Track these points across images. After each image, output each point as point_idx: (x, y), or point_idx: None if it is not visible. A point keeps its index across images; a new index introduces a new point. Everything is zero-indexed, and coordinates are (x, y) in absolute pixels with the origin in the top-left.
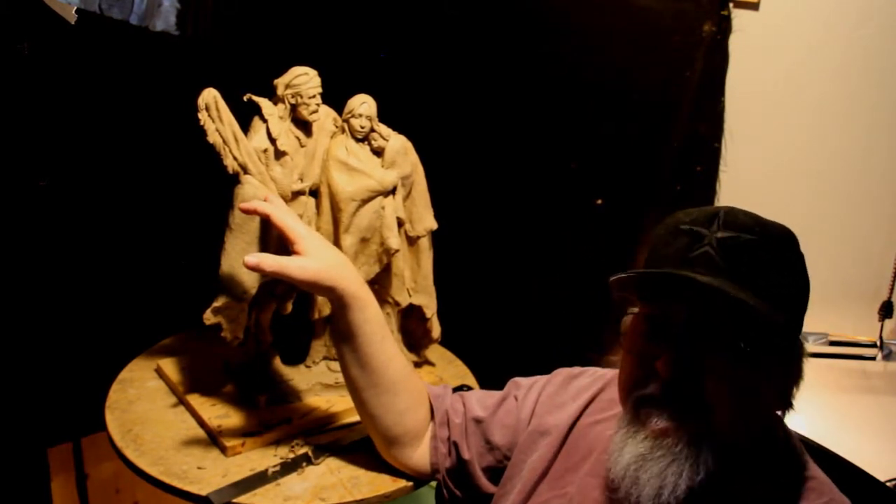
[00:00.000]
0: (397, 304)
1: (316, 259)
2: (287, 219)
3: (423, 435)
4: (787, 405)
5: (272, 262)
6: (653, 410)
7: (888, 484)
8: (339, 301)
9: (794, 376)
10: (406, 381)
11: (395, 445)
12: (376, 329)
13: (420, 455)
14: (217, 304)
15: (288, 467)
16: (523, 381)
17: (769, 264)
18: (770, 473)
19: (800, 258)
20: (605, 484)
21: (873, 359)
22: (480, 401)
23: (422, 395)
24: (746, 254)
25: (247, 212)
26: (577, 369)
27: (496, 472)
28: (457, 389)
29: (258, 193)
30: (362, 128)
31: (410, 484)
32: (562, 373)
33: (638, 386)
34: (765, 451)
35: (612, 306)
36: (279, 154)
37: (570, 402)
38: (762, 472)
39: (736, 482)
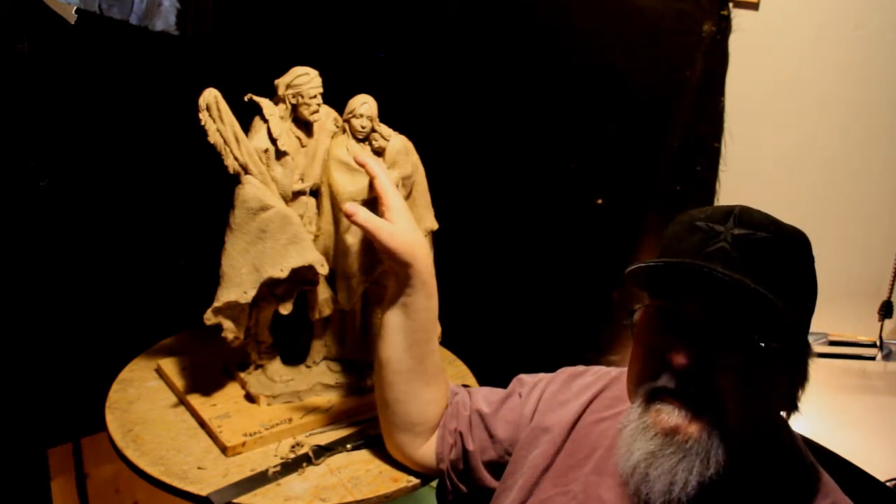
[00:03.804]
0: None
1: (405, 232)
2: (389, 187)
3: (435, 429)
4: (793, 407)
5: (367, 217)
6: (664, 404)
7: (888, 484)
8: (410, 280)
9: (800, 378)
10: (439, 375)
11: (408, 433)
12: (431, 319)
13: (427, 448)
14: (217, 304)
15: (288, 467)
16: (527, 379)
17: (783, 262)
18: (775, 474)
19: (810, 260)
20: (611, 481)
21: (873, 359)
22: (486, 396)
23: (447, 391)
24: (761, 251)
25: (360, 164)
26: (580, 368)
27: (498, 467)
28: None
29: (259, 194)
30: (363, 128)
31: (411, 484)
32: (565, 371)
33: (649, 378)
34: (770, 452)
35: (611, 306)
36: (280, 154)
37: (572, 399)
38: (768, 472)
39: (742, 482)
